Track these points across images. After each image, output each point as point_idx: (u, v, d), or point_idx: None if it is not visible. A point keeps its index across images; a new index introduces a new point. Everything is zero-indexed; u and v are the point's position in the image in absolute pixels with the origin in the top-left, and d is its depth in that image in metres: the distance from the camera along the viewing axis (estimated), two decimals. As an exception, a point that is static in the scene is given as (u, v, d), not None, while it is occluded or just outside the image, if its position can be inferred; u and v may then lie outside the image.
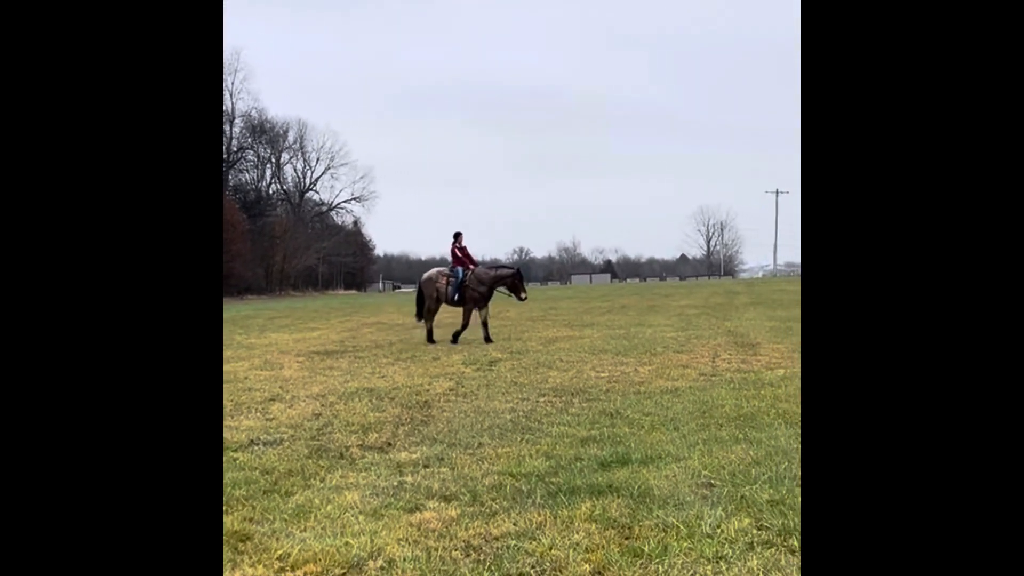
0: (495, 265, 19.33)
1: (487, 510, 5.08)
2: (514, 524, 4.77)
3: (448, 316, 20.26)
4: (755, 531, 4.54)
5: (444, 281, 17.47)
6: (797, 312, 24.13)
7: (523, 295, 17.17)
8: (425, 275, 18.13)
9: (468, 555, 4.32)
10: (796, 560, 4.12)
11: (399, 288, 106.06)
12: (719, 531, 4.54)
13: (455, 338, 17.23)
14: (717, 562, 4.12)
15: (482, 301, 17.23)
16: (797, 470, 5.80)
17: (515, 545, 4.42)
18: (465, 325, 17.34)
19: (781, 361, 12.38)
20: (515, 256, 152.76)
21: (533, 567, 4.13)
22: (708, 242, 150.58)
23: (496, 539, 4.55)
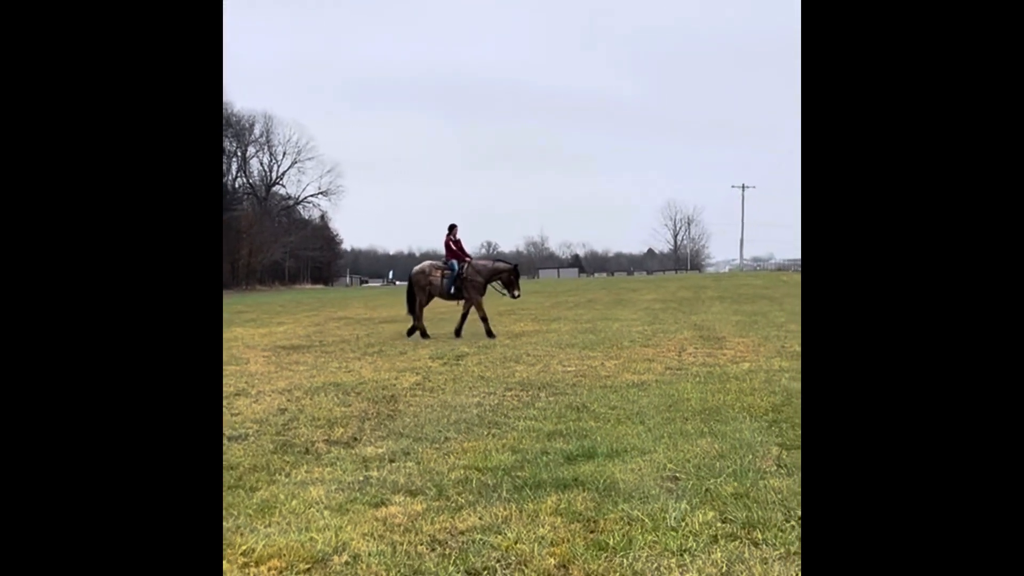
0: (493, 258, 19.06)
1: (453, 504, 5.08)
2: (480, 518, 4.78)
3: (436, 311, 20.20)
4: (719, 524, 4.58)
5: (438, 274, 17.14)
6: (763, 306, 24.30)
7: (516, 292, 16.94)
8: (416, 268, 17.74)
9: (433, 549, 4.32)
10: (759, 552, 4.15)
11: (366, 282, 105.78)
12: (684, 524, 4.56)
13: (458, 332, 16.93)
14: (681, 555, 4.14)
15: (479, 293, 16.99)
16: (761, 463, 5.85)
17: (480, 539, 4.43)
18: (464, 318, 17.09)
19: (747, 355, 12.45)
20: (482, 250, 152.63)
21: (498, 561, 4.14)
22: (675, 237, 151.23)
23: (462, 533, 4.55)
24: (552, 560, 4.10)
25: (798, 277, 59.73)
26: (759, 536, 4.37)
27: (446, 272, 17.11)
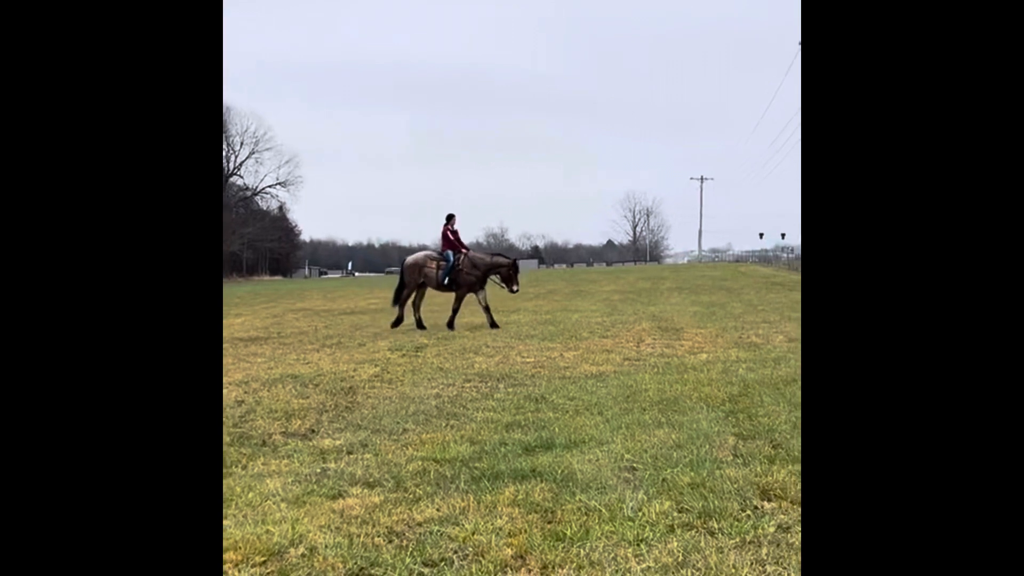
0: (493, 252, 18.80)
1: (410, 496, 5.07)
2: (437, 510, 4.77)
3: (433, 304, 20.14)
4: (676, 514, 4.60)
5: (433, 265, 16.77)
6: (720, 297, 24.47)
7: (515, 287, 16.72)
8: (410, 259, 17.33)
9: (390, 541, 4.31)
10: (715, 541, 4.18)
11: (325, 273, 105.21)
12: (640, 514, 4.59)
13: (450, 324, 16.63)
14: (638, 545, 4.16)
15: (476, 286, 16.70)
16: (718, 453, 5.89)
17: (438, 530, 4.43)
18: (456, 310, 16.87)
19: (704, 345, 12.53)
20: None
21: (455, 552, 4.13)
22: (634, 228, 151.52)
23: (419, 525, 4.54)
24: (509, 551, 4.11)
25: (755, 268, 60.22)
26: (715, 525, 4.40)
27: (442, 263, 16.78)
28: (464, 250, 16.98)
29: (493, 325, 16.53)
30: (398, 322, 17.03)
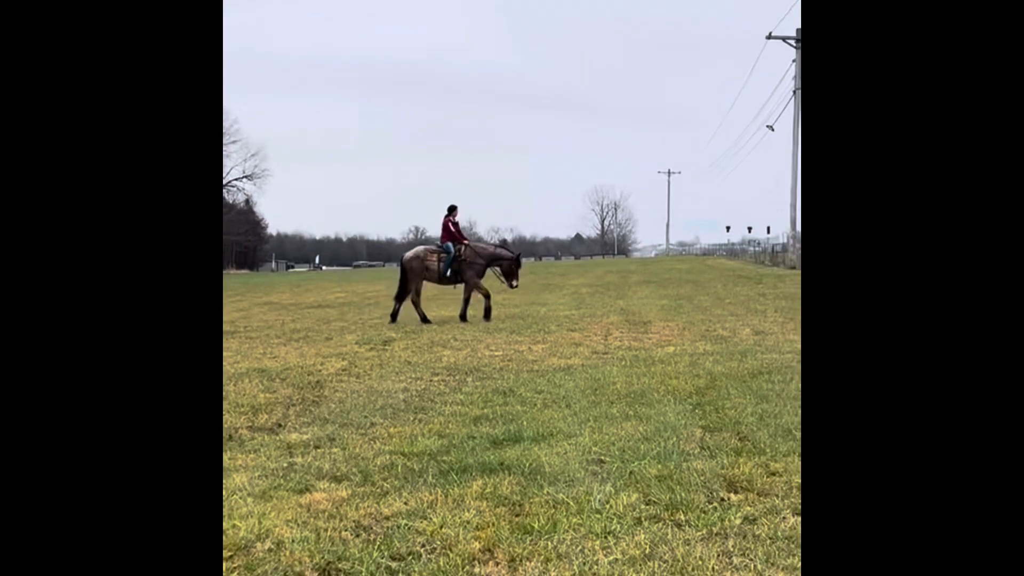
0: (496, 245, 18.50)
1: (378, 490, 5.06)
2: (405, 503, 4.77)
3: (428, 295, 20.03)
4: (643, 506, 4.62)
5: (435, 258, 16.45)
6: (687, 290, 24.57)
7: (515, 283, 16.59)
8: (410, 253, 16.96)
9: (358, 535, 4.30)
10: (682, 534, 4.20)
11: (293, 267, 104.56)
12: (608, 507, 4.60)
13: (463, 317, 16.33)
14: (605, 537, 4.17)
15: (480, 276, 16.51)
16: (685, 445, 5.92)
17: (405, 524, 4.42)
18: (467, 300, 16.56)
19: (672, 339, 12.59)
20: (411, 235, 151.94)
21: (423, 546, 4.13)
22: (602, 222, 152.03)
23: (386, 518, 4.53)
24: (477, 544, 4.11)
25: (722, 262, 60.55)
26: (682, 517, 4.42)
27: (442, 256, 16.49)
28: (465, 241, 16.74)
29: (463, 318, 16.31)
30: (396, 316, 16.62)
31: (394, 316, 16.64)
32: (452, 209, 16.96)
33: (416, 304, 16.68)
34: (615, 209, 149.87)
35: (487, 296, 16.52)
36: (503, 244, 18.37)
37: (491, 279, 17.21)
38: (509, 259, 16.73)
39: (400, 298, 16.69)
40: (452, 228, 16.72)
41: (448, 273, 16.42)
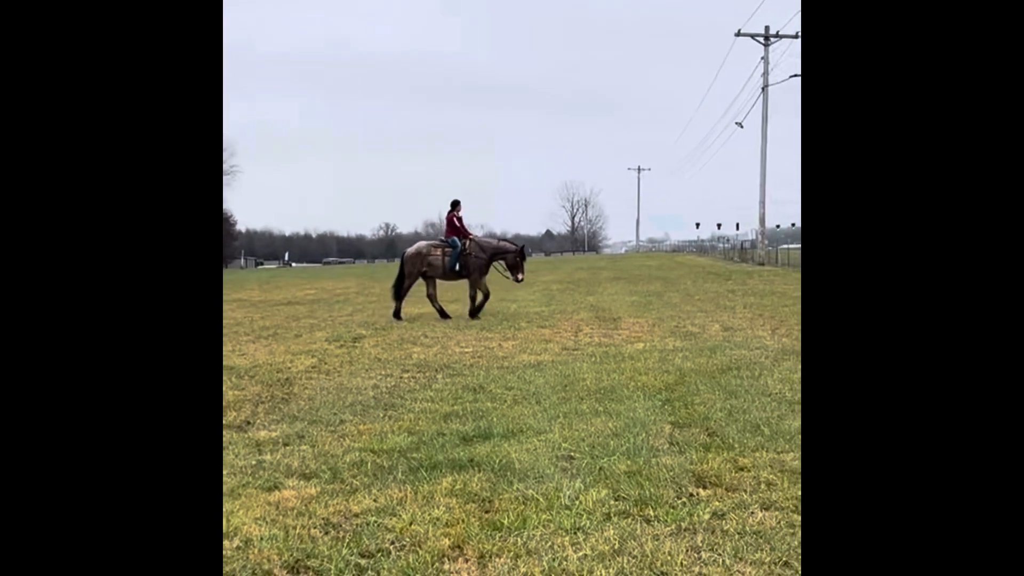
0: (499, 238, 18.23)
1: (347, 487, 5.04)
2: (374, 500, 4.75)
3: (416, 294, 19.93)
4: (612, 502, 4.64)
5: (439, 253, 16.15)
6: (657, 287, 24.65)
7: (520, 276, 16.33)
8: (411, 249, 16.59)
9: (327, 532, 4.28)
10: (651, 529, 4.22)
11: (262, 264, 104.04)
12: (577, 502, 4.61)
13: (476, 313, 16.11)
14: (575, 533, 4.18)
15: (485, 270, 16.30)
16: (654, 441, 5.95)
17: (375, 521, 4.41)
18: (480, 294, 16.33)
19: (641, 335, 12.62)
20: (381, 232, 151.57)
21: (392, 543, 4.12)
22: (572, 218, 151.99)
23: (356, 516, 4.52)
24: (447, 541, 4.11)
25: (692, 258, 60.81)
26: (651, 513, 4.44)
27: (447, 250, 16.21)
28: (469, 236, 16.51)
29: (473, 315, 16.07)
30: (398, 313, 16.27)
31: (397, 314, 16.30)
32: (456, 204, 16.78)
33: (431, 298, 16.43)
34: (585, 206, 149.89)
35: (486, 296, 16.37)
36: (505, 239, 18.05)
37: (493, 275, 17.05)
38: (513, 252, 16.48)
39: (399, 295, 16.41)
40: (457, 223, 16.50)
41: (456, 268, 16.14)
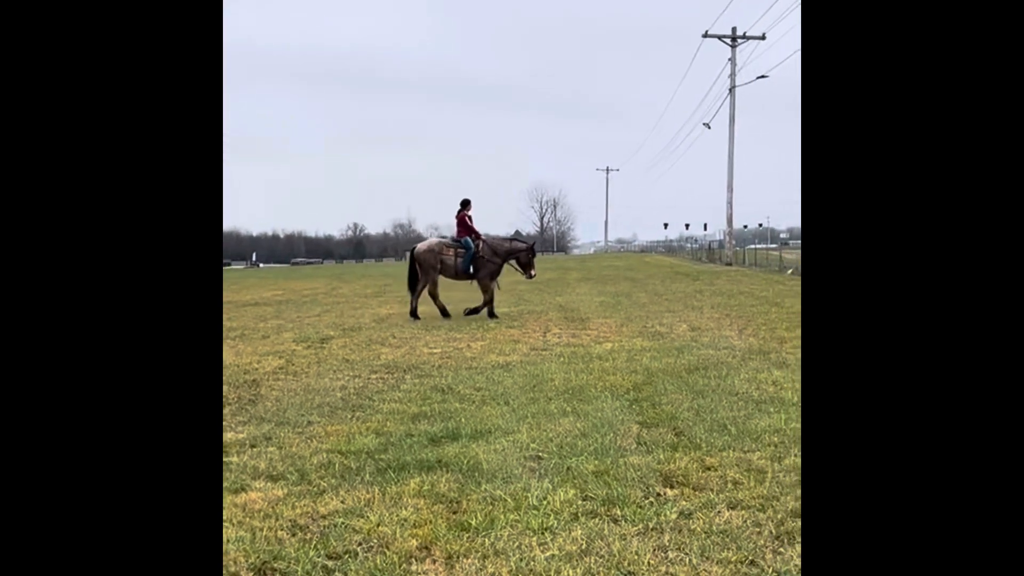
0: (509, 238, 18.00)
1: (315, 489, 5.02)
2: (342, 502, 4.74)
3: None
4: (580, 502, 4.65)
5: (451, 253, 15.89)
6: (626, 287, 24.72)
7: (532, 272, 16.21)
8: (423, 246, 16.24)
9: (294, 534, 4.26)
10: (619, 529, 4.23)
11: (229, 264, 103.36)
12: (545, 503, 4.62)
13: (491, 313, 15.94)
14: (542, 533, 4.19)
15: (498, 273, 16.11)
16: (622, 441, 5.96)
17: (342, 523, 4.39)
18: (494, 295, 16.15)
19: (609, 335, 12.66)
20: (349, 232, 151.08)
21: (360, 544, 4.11)
22: (541, 219, 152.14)
23: (323, 517, 4.51)
24: (414, 542, 4.10)
25: (660, 258, 61.05)
26: (619, 513, 4.46)
27: (459, 251, 15.93)
28: (481, 238, 16.27)
29: (492, 315, 15.93)
30: (415, 312, 16.05)
31: (414, 313, 16.06)
32: (466, 203, 16.49)
33: (435, 297, 16.21)
34: (554, 206, 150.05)
35: (491, 298, 16.19)
36: (514, 237, 17.90)
37: (507, 271, 16.90)
38: (524, 250, 16.33)
39: (414, 291, 16.17)
40: (468, 222, 16.25)
41: (470, 270, 15.92)
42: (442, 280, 16.33)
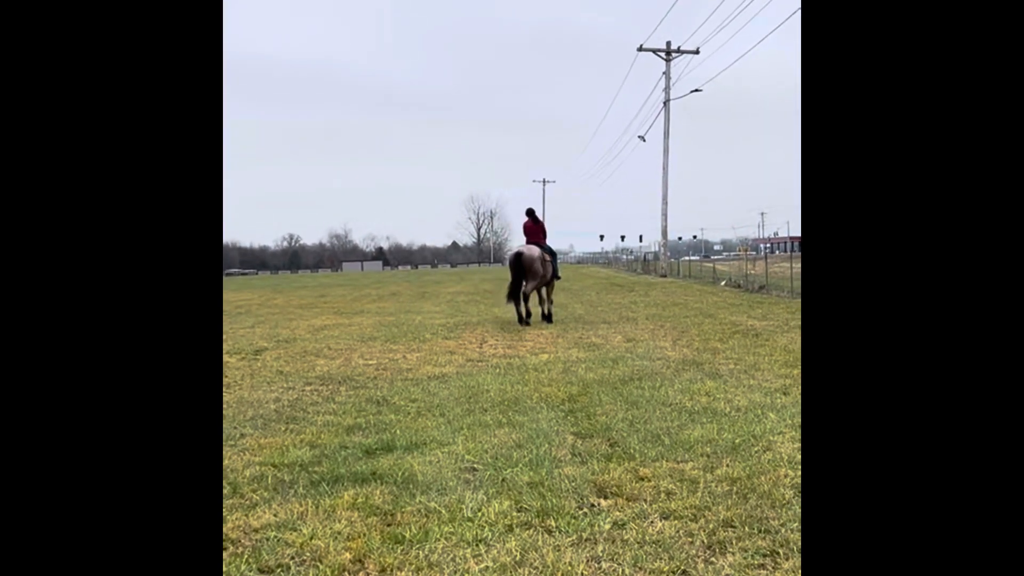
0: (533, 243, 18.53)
1: (247, 502, 4.96)
2: (275, 515, 4.69)
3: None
4: (515, 513, 4.65)
5: (548, 259, 16.39)
6: (562, 298, 24.80)
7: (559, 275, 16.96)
8: (534, 253, 16.13)
9: (226, 548, 4.21)
10: (553, 540, 4.24)
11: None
12: (480, 514, 4.62)
13: (549, 317, 16.73)
14: (477, 545, 4.18)
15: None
16: (557, 452, 5.98)
17: (275, 536, 4.35)
18: (551, 299, 16.97)
19: (546, 346, 12.70)
20: (284, 243, 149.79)
21: (292, 558, 4.07)
22: (479, 230, 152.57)
23: (255, 531, 4.46)
24: (348, 555, 4.07)
25: (596, 270, 61.38)
26: (552, 524, 4.47)
27: (547, 257, 16.28)
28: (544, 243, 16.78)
29: (548, 318, 16.67)
30: (529, 316, 16.44)
31: (524, 318, 16.35)
32: (532, 212, 17.01)
33: (526, 299, 16.43)
34: (491, 217, 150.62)
35: (542, 299, 17.08)
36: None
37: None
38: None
39: (516, 297, 16.24)
40: (546, 229, 16.86)
41: (560, 276, 16.65)
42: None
